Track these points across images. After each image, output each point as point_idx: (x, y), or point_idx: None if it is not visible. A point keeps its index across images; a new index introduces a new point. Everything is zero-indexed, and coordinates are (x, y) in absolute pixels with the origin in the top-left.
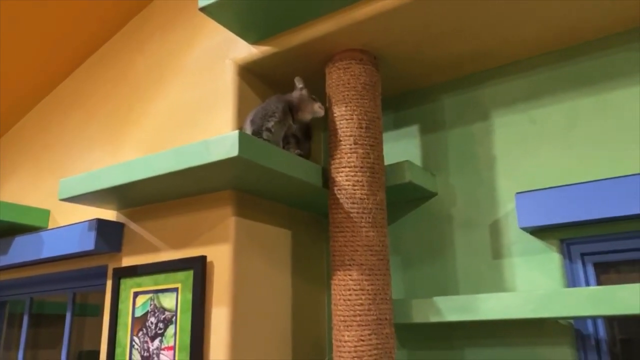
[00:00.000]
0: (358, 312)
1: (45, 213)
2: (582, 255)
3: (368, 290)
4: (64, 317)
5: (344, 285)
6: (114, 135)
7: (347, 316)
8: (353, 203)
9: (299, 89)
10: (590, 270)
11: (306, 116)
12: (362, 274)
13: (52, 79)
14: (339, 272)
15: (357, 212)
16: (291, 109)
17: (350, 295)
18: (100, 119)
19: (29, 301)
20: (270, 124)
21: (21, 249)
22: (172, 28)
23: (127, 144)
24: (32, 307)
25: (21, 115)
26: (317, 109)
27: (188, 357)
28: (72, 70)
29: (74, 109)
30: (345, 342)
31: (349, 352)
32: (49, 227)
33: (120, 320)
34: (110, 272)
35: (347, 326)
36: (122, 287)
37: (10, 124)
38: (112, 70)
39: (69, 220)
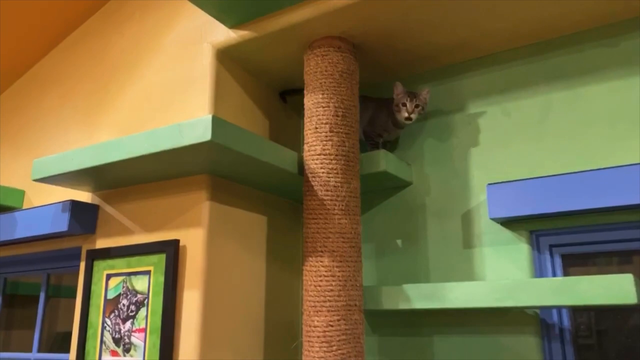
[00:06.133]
0: (328, 297)
1: (20, 193)
2: (551, 246)
3: (339, 276)
4: (38, 298)
5: (315, 272)
6: (90, 117)
7: (317, 302)
8: (327, 190)
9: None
10: (558, 262)
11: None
12: (333, 261)
13: (29, 58)
14: (310, 258)
15: (331, 200)
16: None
17: (321, 281)
18: (76, 100)
19: (2, 281)
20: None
21: None
22: (151, 10)
23: (103, 126)
24: (5, 287)
25: None
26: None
27: (159, 340)
28: (49, 50)
29: (50, 89)
30: (314, 327)
31: (318, 336)
32: (24, 207)
33: (93, 302)
34: (83, 254)
35: (317, 311)
36: (95, 269)
37: None
38: (90, 51)
39: (44, 201)
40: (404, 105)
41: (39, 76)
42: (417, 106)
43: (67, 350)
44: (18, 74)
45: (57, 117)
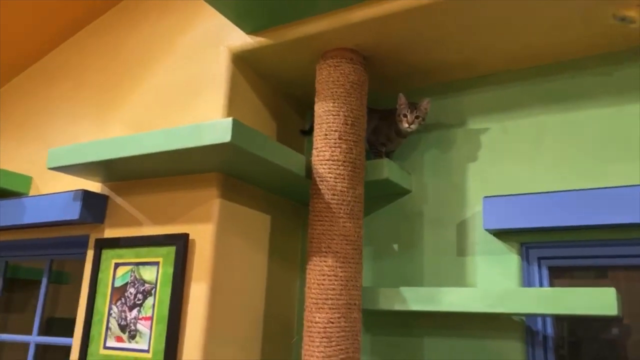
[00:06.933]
0: (330, 296)
1: (27, 179)
2: (539, 258)
3: (341, 276)
4: (33, 282)
5: (318, 271)
6: (100, 109)
7: (320, 299)
8: (333, 195)
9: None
10: (545, 273)
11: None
12: (336, 261)
13: (42, 47)
14: (314, 258)
15: (337, 203)
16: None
17: (324, 280)
18: (88, 92)
19: (4, 265)
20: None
21: (3, 213)
22: (168, 9)
23: (114, 119)
24: (7, 271)
25: (7, 79)
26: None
27: (165, 328)
28: (62, 40)
29: (62, 79)
30: (315, 323)
31: (319, 332)
32: (30, 194)
33: (100, 290)
34: (92, 242)
35: (319, 308)
36: (103, 257)
37: None
38: (104, 45)
39: (50, 188)
40: (405, 116)
41: (51, 66)
42: (417, 117)
43: (56, 335)
44: (30, 61)
45: (68, 107)
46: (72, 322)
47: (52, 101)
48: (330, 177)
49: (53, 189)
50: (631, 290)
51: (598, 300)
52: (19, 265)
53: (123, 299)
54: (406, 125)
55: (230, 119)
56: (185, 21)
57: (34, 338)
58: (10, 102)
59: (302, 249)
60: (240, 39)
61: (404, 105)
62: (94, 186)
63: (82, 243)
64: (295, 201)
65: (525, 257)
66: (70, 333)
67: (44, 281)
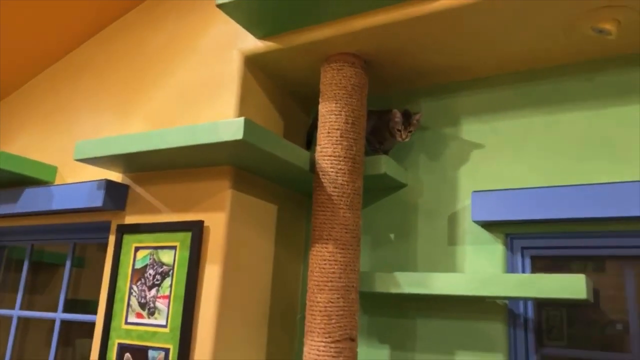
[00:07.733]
0: (330, 278)
1: (53, 169)
2: (523, 248)
3: (340, 261)
4: (53, 266)
5: (320, 256)
6: (121, 105)
7: (321, 281)
8: (335, 187)
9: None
10: (528, 262)
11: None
12: (336, 248)
13: (67, 43)
14: (317, 245)
15: (337, 195)
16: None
17: (325, 264)
18: (109, 88)
19: (29, 248)
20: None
21: (31, 200)
22: (186, 12)
23: (134, 115)
24: (32, 253)
25: (34, 73)
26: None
27: (181, 306)
28: (86, 38)
29: (86, 75)
30: (317, 302)
31: (320, 311)
32: (56, 182)
33: (121, 271)
34: (113, 228)
35: (320, 290)
36: (124, 241)
37: (24, 80)
38: (126, 44)
39: (74, 178)
40: (399, 131)
41: (76, 61)
42: (410, 132)
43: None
44: (56, 56)
45: (91, 101)
46: (86, 302)
47: (77, 96)
48: (332, 172)
49: (76, 178)
50: (607, 277)
51: (570, 285)
52: (41, 249)
53: (143, 279)
54: (400, 139)
55: (242, 119)
56: (202, 25)
57: (59, 315)
58: (37, 96)
59: (305, 237)
60: (252, 43)
61: (398, 120)
62: (115, 176)
63: (104, 228)
64: (299, 192)
65: (509, 246)
66: (85, 312)
67: (68, 263)
